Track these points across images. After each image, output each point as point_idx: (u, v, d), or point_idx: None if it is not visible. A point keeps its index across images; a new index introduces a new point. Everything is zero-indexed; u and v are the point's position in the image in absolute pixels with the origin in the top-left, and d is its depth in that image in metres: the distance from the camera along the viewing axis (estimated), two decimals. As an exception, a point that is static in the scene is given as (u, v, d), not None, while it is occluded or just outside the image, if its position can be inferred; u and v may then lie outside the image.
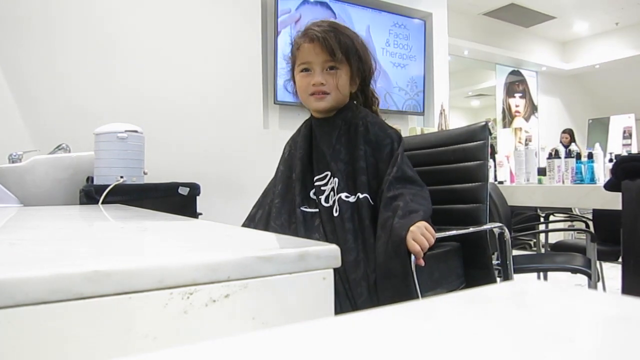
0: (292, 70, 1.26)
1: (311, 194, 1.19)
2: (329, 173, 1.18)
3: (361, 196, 1.13)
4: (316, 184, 1.19)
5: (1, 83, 2.36)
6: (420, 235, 1.01)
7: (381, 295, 1.04)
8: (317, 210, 1.16)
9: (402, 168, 1.15)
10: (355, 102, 1.28)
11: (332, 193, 1.16)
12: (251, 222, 1.26)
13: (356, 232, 1.10)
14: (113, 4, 2.65)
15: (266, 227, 1.18)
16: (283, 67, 3.19)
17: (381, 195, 1.12)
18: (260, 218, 1.24)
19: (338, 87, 1.19)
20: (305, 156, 1.23)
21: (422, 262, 1.01)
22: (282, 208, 1.19)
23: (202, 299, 0.40)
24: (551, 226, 3.39)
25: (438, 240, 1.23)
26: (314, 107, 1.23)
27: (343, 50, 1.17)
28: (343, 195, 1.13)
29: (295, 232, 1.15)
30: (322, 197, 1.16)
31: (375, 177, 1.16)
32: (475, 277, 1.31)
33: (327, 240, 1.11)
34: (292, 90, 1.30)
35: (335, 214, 1.12)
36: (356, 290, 1.04)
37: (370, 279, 1.05)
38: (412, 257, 1.02)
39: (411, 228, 1.02)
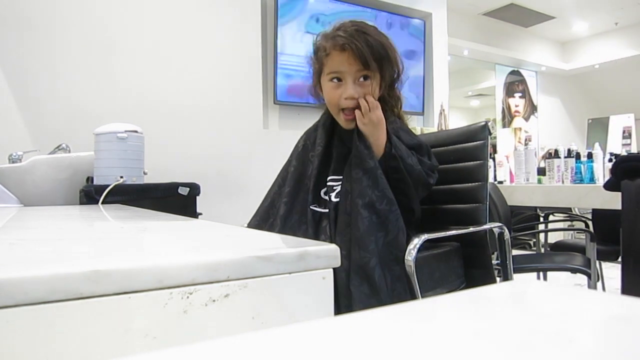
0: (318, 75, 1.20)
1: (322, 193, 1.17)
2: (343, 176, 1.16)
3: (385, 195, 1.11)
4: (329, 183, 1.17)
5: (1, 83, 2.36)
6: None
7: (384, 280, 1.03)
8: (326, 210, 1.15)
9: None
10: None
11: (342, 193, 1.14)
12: (256, 216, 1.25)
13: (375, 227, 1.07)
14: (113, 4, 2.65)
15: (277, 226, 1.16)
16: (284, 64, 3.19)
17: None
18: (266, 213, 1.23)
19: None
20: (322, 154, 1.20)
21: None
22: (293, 207, 1.17)
23: (202, 298, 0.40)
24: (551, 226, 3.39)
25: (438, 240, 1.23)
26: (343, 126, 1.18)
27: (376, 58, 1.12)
28: (366, 199, 1.11)
29: (305, 232, 1.13)
30: (332, 194, 1.15)
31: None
32: (475, 277, 1.31)
33: (333, 241, 1.10)
34: (314, 93, 1.25)
35: (349, 212, 1.10)
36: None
37: (387, 277, 1.03)
38: (412, 258, 1.02)
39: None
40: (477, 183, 1.31)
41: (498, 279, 1.44)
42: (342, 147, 1.20)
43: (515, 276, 1.63)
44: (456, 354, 0.20)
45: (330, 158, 1.20)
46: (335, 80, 1.14)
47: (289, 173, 1.24)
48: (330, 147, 1.21)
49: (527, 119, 6.57)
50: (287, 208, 1.16)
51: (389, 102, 1.24)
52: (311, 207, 1.15)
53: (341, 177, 1.15)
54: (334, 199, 1.15)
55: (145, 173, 1.97)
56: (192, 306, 0.39)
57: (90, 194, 1.72)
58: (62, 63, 2.50)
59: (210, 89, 2.94)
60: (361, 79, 1.13)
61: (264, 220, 1.22)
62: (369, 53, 1.10)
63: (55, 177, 1.88)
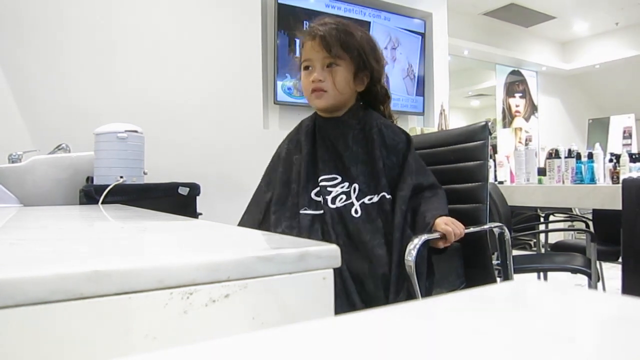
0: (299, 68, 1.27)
1: (313, 194, 1.16)
2: (339, 177, 1.16)
3: (387, 196, 1.14)
4: (322, 183, 1.16)
5: (1, 83, 2.36)
6: (452, 223, 1.09)
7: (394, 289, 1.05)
8: (321, 212, 1.14)
9: (417, 177, 1.19)
10: (362, 102, 1.28)
11: (342, 195, 1.14)
12: (244, 224, 1.24)
13: (380, 231, 1.10)
14: (113, 4, 2.65)
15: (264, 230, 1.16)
16: (286, 64, 3.19)
17: (396, 201, 1.14)
18: (249, 219, 1.23)
19: (335, 85, 1.17)
20: (309, 155, 1.21)
21: (441, 245, 1.09)
22: (282, 214, 1.16)
23: (202, 299, 0.40)
24: (551, 226, 3.39)
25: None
26: (314, 105, 1.24)
27: (343, 47, 1.17)
28: (366, 199, 1.14)
29: (297, 236, 1.13)
30: (329, 198, 1.14)
31: (392, 179, 1.18)
32: (475, 277, 1.31)
33: (332, 241, 1.10)
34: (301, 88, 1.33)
35: (356, 215, 1.12)
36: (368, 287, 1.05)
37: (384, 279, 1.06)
38: (412, 257, 1.02)
39: (442, 217, 1.09)
40: (477, 183, 1.31)
41: (498, 279, 1.44)
42: (327, 146, 1.21)
43: (516, 276, 1.63)
44: (456, 353, 0.20)
45: (316, 159, 1.21)
46: (308, 68, 1.21)
47: (275, 182, 1.24)
48: (314, 148, 1.23)
49: (527, 119, 6.56)
50: (277, 216, 1.16)
51: (378, 96, 1.28)
52: (301, 211, 1.14)
53: (333, 175, 1.17)
54: (330, 204, 1.13)
55: (145, 173, 1.97)
56: (192, 306, 0.39)
57: (90, 194, 1.72)
58: (62, 63, 2.50)
59: (210, 89, 2.94)
60: (331, 66, 1.19)
61: (251, 227, 1.20)
62: (334, 41, 1.16)
63: (55, 177, 1.88)
